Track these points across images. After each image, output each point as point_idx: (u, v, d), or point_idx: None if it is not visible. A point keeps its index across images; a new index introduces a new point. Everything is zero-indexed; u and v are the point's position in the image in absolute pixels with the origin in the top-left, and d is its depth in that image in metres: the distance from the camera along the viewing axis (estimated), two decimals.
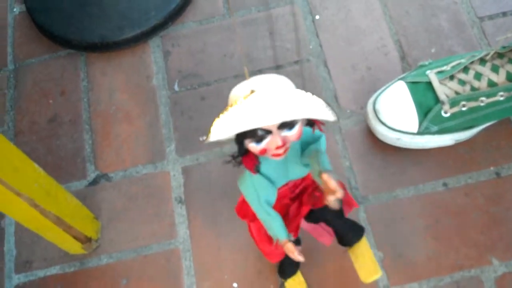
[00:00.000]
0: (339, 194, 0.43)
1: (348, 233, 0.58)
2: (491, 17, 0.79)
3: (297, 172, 0.49)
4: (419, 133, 0.68)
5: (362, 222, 0.67)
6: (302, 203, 0.52)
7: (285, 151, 0.42)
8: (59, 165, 0.76)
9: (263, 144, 0.41)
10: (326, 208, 0.47)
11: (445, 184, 0.68)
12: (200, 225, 0.69)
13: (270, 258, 0.57)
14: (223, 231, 0.68)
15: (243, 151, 0.43)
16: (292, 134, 0.41)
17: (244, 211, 0.54)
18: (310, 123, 0.44)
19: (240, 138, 0.41)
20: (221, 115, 0.38)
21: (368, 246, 0.59)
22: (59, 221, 0.61)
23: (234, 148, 0.72)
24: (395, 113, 0.68)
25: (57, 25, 0.84)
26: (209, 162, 0.73)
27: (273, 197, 0.48)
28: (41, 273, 0.69)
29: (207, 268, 0.67)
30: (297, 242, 0.49)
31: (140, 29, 0.82)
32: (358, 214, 0.67)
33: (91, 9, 0.84)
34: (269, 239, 0.51)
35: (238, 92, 0.40)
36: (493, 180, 0.68)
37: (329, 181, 0.43)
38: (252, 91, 0.38)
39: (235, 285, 0.65)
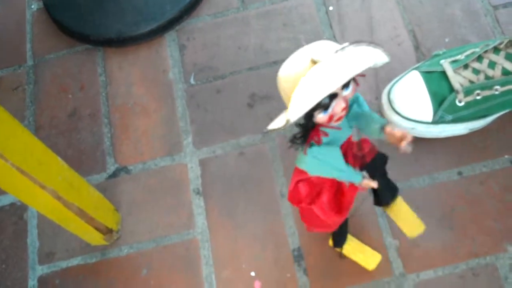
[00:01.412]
0: (409, 137, 0.46)
1: (386, 192, 0.61)
2: (505, 6, 0.79)
3: (345, 134, 0.51)
4: (434, 122, 0.68)
5: (377, 211, 0.68)
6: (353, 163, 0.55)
7: (347, 112, 0.45)
8: (79, 158, 0.77)
9: (330, 110, 0.43)
10: (373, 165, 0.55)
11: (460, 173, 0.69)
12: (217, 215, 0.71)
13: (328, 229, 0.60)
14: (240, 221, 0.70)
15: (311, 125, 0.45)
16: (349, 91, 0.43)
17: (298, 197, 0.55)
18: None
19: (310, 112, 0.42)
20: (295, 92, 0.39)
21: (405, 204, 0.62)
22: (81, 213, 0.62)
23: (249, 141, 0.73)
24: (410, 102, 0.68)
25: (75, 21, 0.85)
26: (226, 154, 0.74)
27: (341, 157, 0.50)
28: (63, 264, 0.71)
29: (225, 258, 0.68)
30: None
31: (155, 23, 0.83)
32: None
33: (108, 5, 0.86)
34: (336, 211, 0.55)
35: (297, 65, 0.41)
36: (507, 168, 0.68)
37: (394, 131, 0.46)
38: (314, 61, 0.39)
39: (252, 273, 0.67)
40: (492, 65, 0.66)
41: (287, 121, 0.40)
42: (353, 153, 0.54)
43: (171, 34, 0.85)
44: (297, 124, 0.45)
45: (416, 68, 0.71)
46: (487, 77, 0.66)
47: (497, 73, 0.66)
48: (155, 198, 0.73)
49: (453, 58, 0.69)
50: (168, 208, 0.72)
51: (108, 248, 0.71)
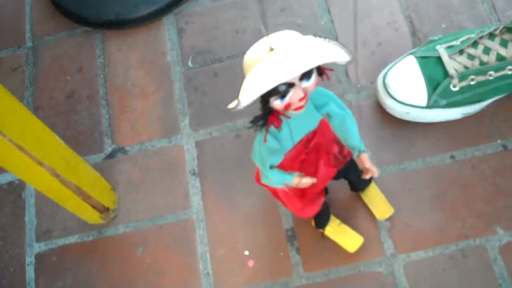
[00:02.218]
0: (375, 174, 0.53)
1: (360, 181, 0.63)
2: None
3: (310, 124, 0.51)
4: (428, 106, 0.69)
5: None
6: (330, 164, 0.56)
7: (305, 103, 0.45)
8: (77, 139, 0.78)
9: (287, 98, 0.43)
10: (349, 170, 0.58)
11: (452, 157, 0.70)
12: (213, 196, 0.72)
13: (304, 214, 0.60)
14: (235, 202, 0.71)
15: (268, 110, 0.45)
16: (310, 83, 0.43)
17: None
18: (319, 72, 0.46)
19: (265, 97, 0.43)
20: (247, 78, 0.40)
21: (378, 189, 0.65)
22: (78, 191, 0.63)
23: (245, 123, 0.74)
24: (405, 87, 0.69)
25: (73, 3, 0.86)
26: (222, 136, 0.75)
27: (279, 159, 0.51)
28: (60, 242, 0.72)
29: (220, 237, 0.69)
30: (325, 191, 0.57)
31: (154, 6, 0.84)
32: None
33: None
34: (298, 196, 0.55)
35: (256, 52, 0.41)
36: (500, 152, 0.69)
37: (366, 163, 0.53)
38: (272, 49, 0.40)
39: (246, 252, 0.68)
40: (487, 51, 0.67)
41: (238, 103, 0.41)
42: (334, 155, 0.55)
43: (170, 18, 0.85)
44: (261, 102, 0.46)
45: (412, 53, 0.71)
46: (481, 63, 0.67)
47: (491, 59, 0.66)
48: (152, 178, 0.74)
49: (448, 44, 0.69)
50: (164, 188, 0.73)
51: (105, 226, 0.72)
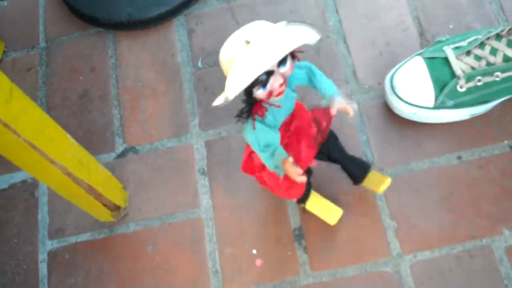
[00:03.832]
0: (351, 111, 0.53)
1: (355, 168, 0.65)
2: None
3: (288, 107, 0.54)
4: (435, 107, 0.69)
5: (377, 194, 0.69)
6: (310, 145, 0.57)
7: (285, 87, 0.48)
8: (89, 138, 0.80)
9: (269, 86, 0.46)
10: (330, 144, 0.60)
11: (459, 157, 0.70)
12: (221, 195, 0.73)
13: (291, 195, 0.62)
14: (244, 201, 0.72)
15: (252, 101, 0.48)
16: (287, 68, 0.46)
17: (250, 167, 0.59)
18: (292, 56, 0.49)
19: (249, 89, 0.46)
20: (229, 73, 0.42)
21: (375, 172, 0.66)
22: (90, 189, 0.65)
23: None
24: (412, 88, 0.70)
25: (86, 4, 0.87)
26: (231, 136, 0.76)
27: (277, 139, 0.53)
28: (73, 239, 0.74)
29: (228, 236, 0.70)
30: (309, 171, 0.59)
31: (165, 7, 0.85)
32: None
33: None
34: (284, 178, 0.56)
35: (232, 48, 0.44)
36: (506, 153, 0.69)
37: (340, 104, 0.53)
38: (247, 42, 0.43)
39: (254, 251, 0.69)
40: (493, 51, 0.67)
41: (225, 98, 0.43)
42: (313, 135, 0.57)
43: (180, 19, 0.86)
44: (242, 100, 0.48)
45: (419, 54, 0.72)
46: (488, 64, 0.67)
47: (498, 59, 0.67)
48: (162, 177, 0.75)
49: (456, 45, 0.70)
50: (174, 187, 0.74)
51: (116, 224, 0.73)
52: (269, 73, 0.45)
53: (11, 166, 0.59)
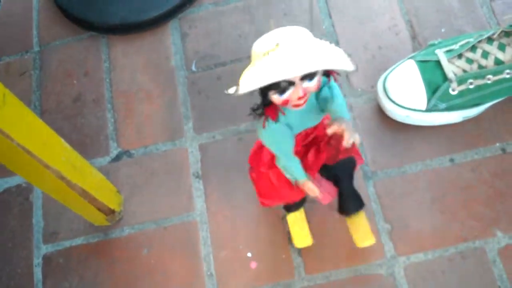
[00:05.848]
0: (356, 141, 0.47)
1: (349, 200, 0.61)
2: None
3: (312, 121, 0.52)
4: (428, 110, 0.70)
5: (371, 196, 0.70)
6: (320, 150, 0.56)
7: (305, 102, 0.45)
8: (83, 142, 0.80)
9: (286, 95, 0.44)
10: (340, 165, 0.56)
11: (452, 160, 0.71)
12: (216, 198, 0.73)
13: (289, 200, 0.62)
14: (238, 204, 0.72)
15: (266, 102, 0.46)
16: (312, 85, 0.44)
17: (258, 160, 0.58)
18: (326, 73, 0.47)
19: (265, 90, 0.44)
20: (249, 68, 0.41)
21: (365, 220, 0.62)
22: (84, 193, 0.65)
23: (248, 127, 0.75)
24: (404, 91, 0.70)
25: (79, 8, 0.87)
26: (225, 139, 0.76)
27: (291, 143, 0.51)
28: (67, 243, 0.74)
29: (223, 239, 0.70)
30: None
31: (159, 11, 0.85)
32: (367, 189, 0.70)
33: None
34: (289, 183, 0.56)
35: (263, 45, 0.42)
36: (498, 155, 0.70)
37: (338, 128, 0.47)
38: (277, 45, 0.41)
39: (249, 254, 0.69)
40: (485, 55, 0.68)
41: (236, 90, 0.42)
42: (327, 141, 0.55)
43: (174, 22, 0.86)
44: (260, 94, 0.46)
45: (411, 57, 0.72)
46: (480, 67, 0.68)
47: (489, 62, 0.67)
48: (156, 181, 0.75)
49: (447, 48, 0.70)
50: (168, 191, 0.74)
51: (111, 228, 0.73)
52: (291, 83, 0.43)
53: (5, 170, 0.59)
